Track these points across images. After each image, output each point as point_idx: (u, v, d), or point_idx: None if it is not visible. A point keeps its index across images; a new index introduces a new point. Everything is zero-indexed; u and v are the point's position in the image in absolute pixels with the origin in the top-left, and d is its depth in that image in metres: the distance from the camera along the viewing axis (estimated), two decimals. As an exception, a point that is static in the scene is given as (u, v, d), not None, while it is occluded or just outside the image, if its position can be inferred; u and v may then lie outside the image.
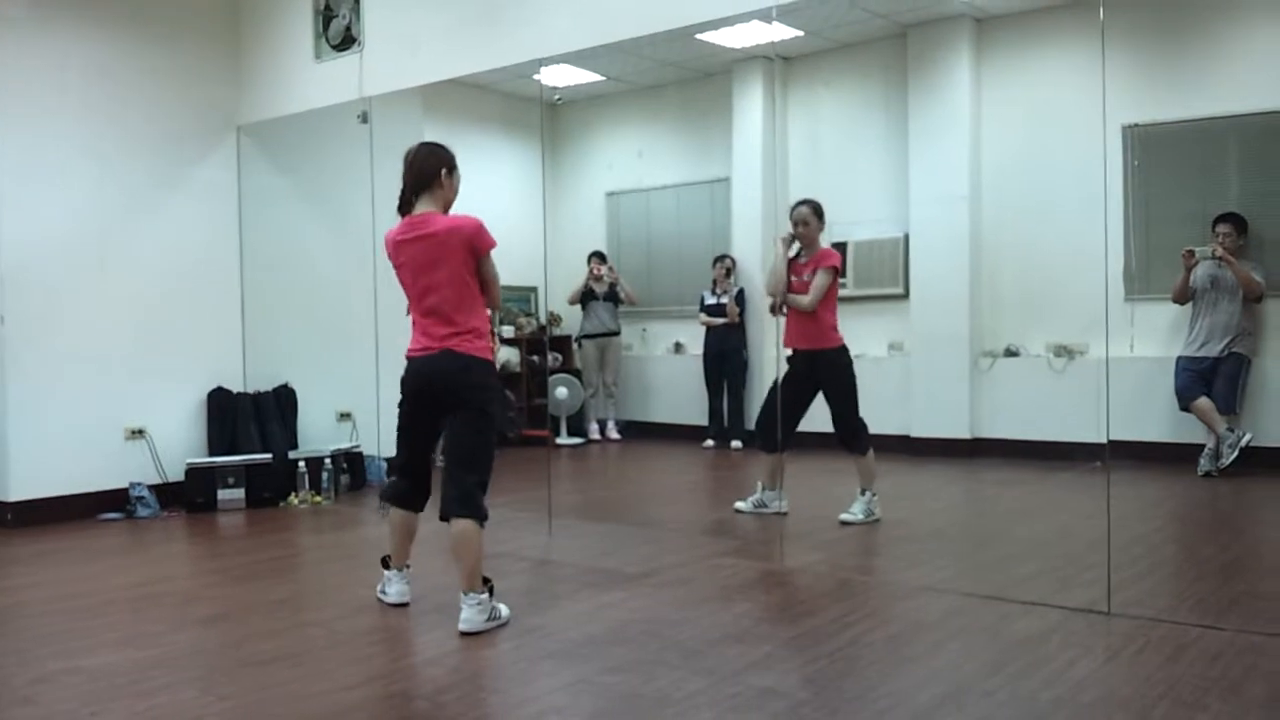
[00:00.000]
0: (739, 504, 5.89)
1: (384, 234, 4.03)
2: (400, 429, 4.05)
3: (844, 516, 5.49)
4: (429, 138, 4.22)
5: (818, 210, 5.66)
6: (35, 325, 6.11)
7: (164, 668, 3.44)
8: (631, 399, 9.73)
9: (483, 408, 3.86)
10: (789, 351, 5.69)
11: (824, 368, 5.54)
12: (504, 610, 3.89)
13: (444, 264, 3.82)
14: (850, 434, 5.55)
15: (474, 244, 3.84)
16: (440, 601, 4.10)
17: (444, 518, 3.85)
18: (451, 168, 4.00)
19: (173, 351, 6.69)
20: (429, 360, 3.86)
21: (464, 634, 3.72)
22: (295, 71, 6.78)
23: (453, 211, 4.00)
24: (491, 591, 3.83)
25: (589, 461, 8.75)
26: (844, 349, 5.60)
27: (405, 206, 3.95)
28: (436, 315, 3.85)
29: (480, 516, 3.81)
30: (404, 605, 4.08)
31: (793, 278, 5.62)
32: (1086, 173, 6.82)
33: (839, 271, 5.64)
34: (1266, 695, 2.99)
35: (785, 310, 5.64)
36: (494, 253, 3.94)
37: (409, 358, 3.95)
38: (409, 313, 3.97)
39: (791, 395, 5.54)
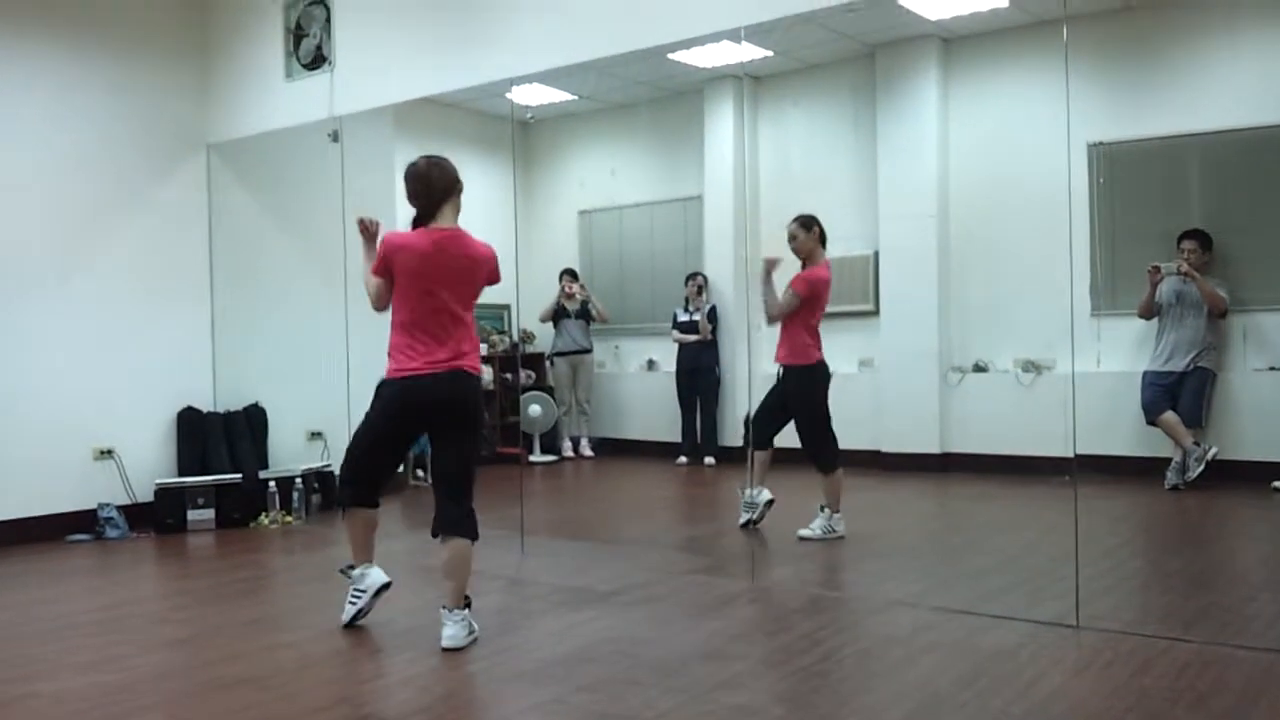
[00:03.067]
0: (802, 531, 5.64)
1: (392, 235, 3.90)
2: (376, 438, 3.96)
3: (802, 532, 5.53)
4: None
5: (805, 223, 5.78)
6: (1, 344, 6.05)
7: (130, 691, 3.40)
8: (604, 416, 9.72)
9: (478, 430, 3.99)
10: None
11: (792, 383, 5.66)
12: (476, 627, 3.92)
13: (472, 286, 3.91)
14: (813, 451, 5.63)
15: (494, 277, 4.00)
16: (411, 623, 4.08)
17: (440, 534, 3.86)
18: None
19: (142, 371, 6.64)
20: (440, 379, 3.81)
21: (446, 650, 3.73)
22: (266, 90, 6.77)
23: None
24: (469, 608, 3.86)
25: (562, 479, 8.74)
26: (815, 366, 5.68)
27: (428, 219, 3.89)
28: (448, 334, 3.83)
29: (476, 537, 3.88)
30: (388, 585, 4.08)
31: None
32: (1053, 190, 6.88)
33: (809, 290, 5.68)
34: (1233, 707, 3.02)
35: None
36: None
37: (411, 374, 3.81)
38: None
39: (773, 403, 5.74)
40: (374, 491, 4.06)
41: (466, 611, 3.83)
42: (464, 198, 4.00)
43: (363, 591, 4.07)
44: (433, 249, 3.81)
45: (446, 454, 3.94)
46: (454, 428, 3.88)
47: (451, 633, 3.76)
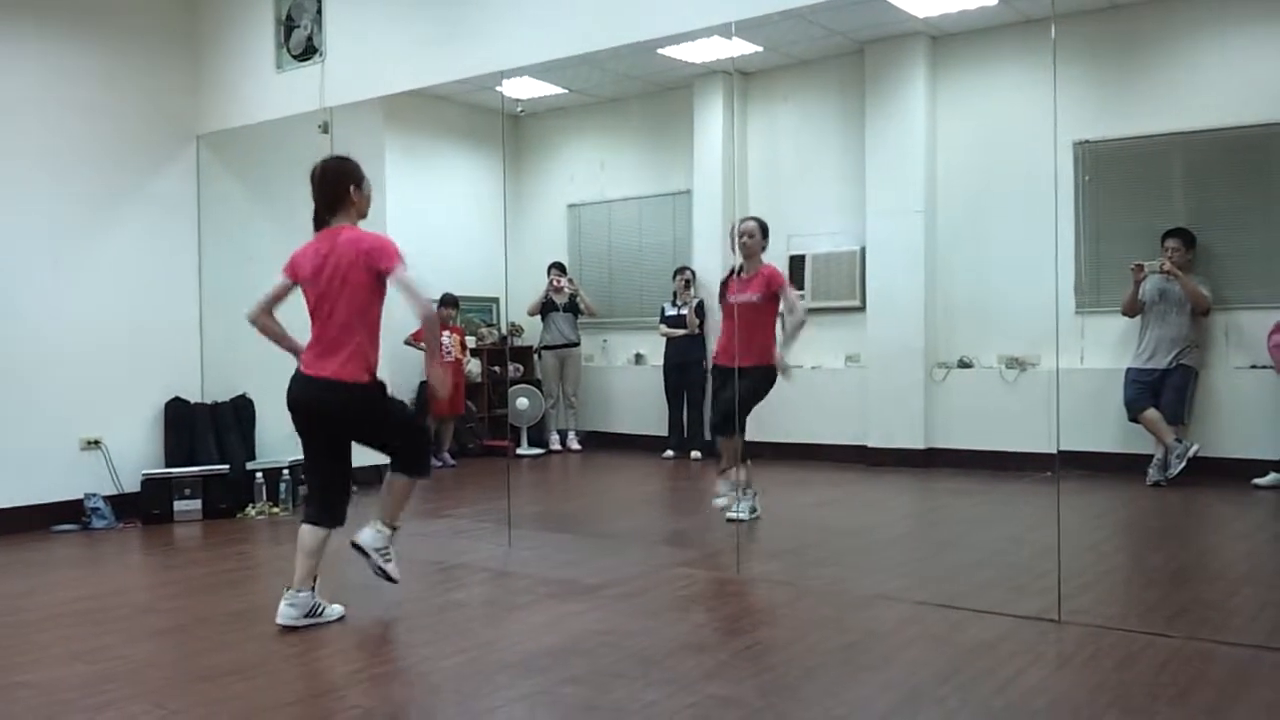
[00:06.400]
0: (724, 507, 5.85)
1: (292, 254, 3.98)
2: (305, 449, 4.05)
3: (730, 513, 5.71)
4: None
5: (764, 227, 5.84)
6: (-13, 334, 6.03)
7: (116, 681, 3.40)
8: (592, 410, 9.74)
9: (379, 424, 4.00)
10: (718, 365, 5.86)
11: (751, 376, 5.68)
12: (394, 571, 4.18)
13: (342, 280, 3.82)
14: (730, 419, 5.74)
15: (371, 261, 3.79)
16: (396, 616, 4.10)
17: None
18: (359, 181, 3.97)
19: (130, 361, 6.62)
20: (313, 385, 3.87)
21: (354, 544, 4.11)
22: (256, 81, 6.75)
23: (387, 222, 4.06)
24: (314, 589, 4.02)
25: (549, 472, 8.75)
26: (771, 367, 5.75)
27: (319, 224, 3.95)
28: (327, 336, 3.86)
29: (421, 475, 4.18)
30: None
31: (734, 295, 5.75)
32: (1038, 188, 6.95)
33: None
34: (1214, 701, 3.05)
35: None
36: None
37: (300, 372, 3.92)
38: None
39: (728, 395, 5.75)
40: (325, 509, 4.02)
41: (311, 593, 3.96)
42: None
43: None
44: (313, 253, 3.88)
45: (326, 458, 4.01)
46: (347, 433, 3.98)
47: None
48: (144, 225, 6.75)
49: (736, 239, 5.83)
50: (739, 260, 5.85)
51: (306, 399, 3.90)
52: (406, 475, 4.07)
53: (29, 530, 6.04)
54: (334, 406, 3.87)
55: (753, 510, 5.81)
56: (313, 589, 3.97)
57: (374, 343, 3.93)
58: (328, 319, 3.85)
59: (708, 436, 5.90)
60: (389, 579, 4.16)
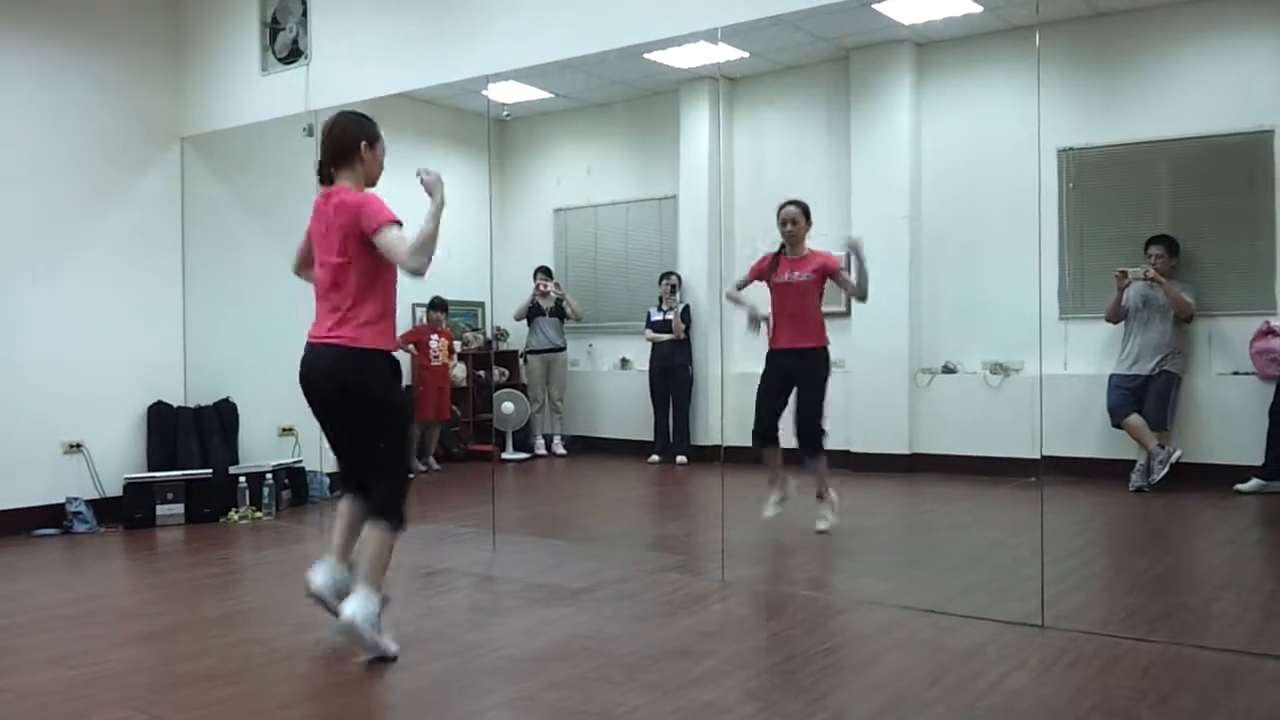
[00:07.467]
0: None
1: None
2: (324, 431, 3.73)
3: (821, 526, 5.65)
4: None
5: (805, 210, 5.84)
6: (-32, 337, 5.99)
7: (97, 686, 3.38)
8: (577, 414, 9.73)
9: (379, 407, 3.58)
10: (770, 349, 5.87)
11: (810, 363, 5.78)
12: (390, 645, 3.59)
13: (337, 241, 3.56)
14: (815, 435, 5.75)
15: (358, 219, 3.51)
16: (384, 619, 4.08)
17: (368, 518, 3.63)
18: (373, 140, 3.73)
19: (112, 364, 6.58)
20: (315, 354, 3.61)
21: (345, 620, 3.47)
22: (241, 84, 6.73)
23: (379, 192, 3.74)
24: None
25: (534, 476, 8.74)
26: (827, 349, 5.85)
27: (324, 179, 3.72)
28: (327, 299, 3.61)
29: (394, 525, 3.59)
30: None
31: (787, 274, 5.78)
32: (1023, 194, 6.95)
33: None
34: (1196, 706, 3.07)
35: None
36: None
37: (306, 343, 3.66)
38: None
39: (779, 390, 5.77)
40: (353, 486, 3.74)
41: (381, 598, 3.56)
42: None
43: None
44: (318, 211, 3.67)
45: (351, 447, 3.67)
46: (349, 410, 3.59)
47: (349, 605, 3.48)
48: (127, 227, 6.72)
49: (779, 226, 5.81)
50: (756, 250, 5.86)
51: (306, 370, 3.64)
52: (386, 523, 3.55)
53: (9, 534, 5.99)
54: (329, 371, 3.56)
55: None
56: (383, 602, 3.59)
57: (383, 309, 3.62)
58: (331, 282, 3.61)
59: (751, 443, 5.88)
60: (387, 658, 3.56)
